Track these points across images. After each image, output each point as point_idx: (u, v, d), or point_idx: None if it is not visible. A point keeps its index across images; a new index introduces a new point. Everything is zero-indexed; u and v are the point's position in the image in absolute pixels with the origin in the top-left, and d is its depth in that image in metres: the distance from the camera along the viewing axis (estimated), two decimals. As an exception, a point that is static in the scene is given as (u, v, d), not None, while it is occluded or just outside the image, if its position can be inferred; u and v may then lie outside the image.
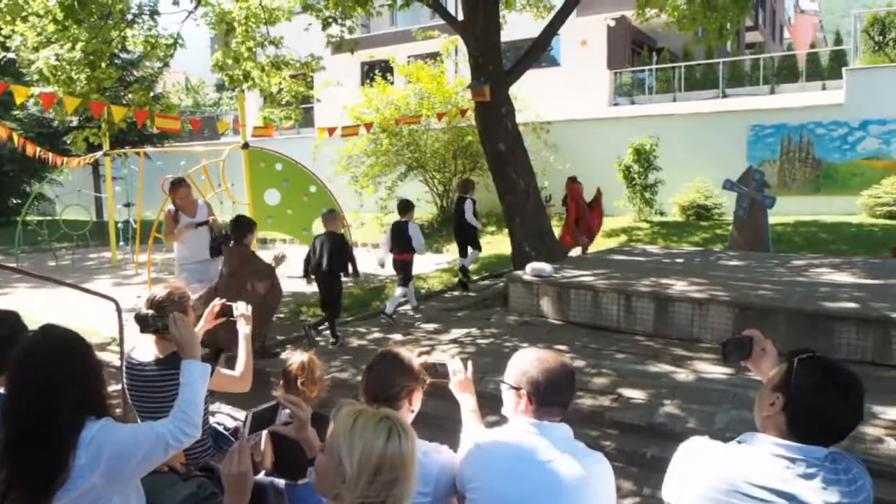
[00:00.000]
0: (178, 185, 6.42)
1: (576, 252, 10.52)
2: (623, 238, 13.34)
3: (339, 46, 10.19)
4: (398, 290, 7.87)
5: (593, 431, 4.51)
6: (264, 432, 3.05)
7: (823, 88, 17.40)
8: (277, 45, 9.51)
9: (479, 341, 6.64)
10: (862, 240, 11.53)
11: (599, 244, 11.10)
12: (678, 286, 6.91)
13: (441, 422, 3.79)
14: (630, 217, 15.23)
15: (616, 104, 19.93)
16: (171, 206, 6.42)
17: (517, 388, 1.96)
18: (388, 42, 21.89)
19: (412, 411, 2.19)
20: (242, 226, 5.95)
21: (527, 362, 1.98)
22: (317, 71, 10.03)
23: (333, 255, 6.64)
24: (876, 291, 6.51)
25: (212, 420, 3.26)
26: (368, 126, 11.98)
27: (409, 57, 18.76)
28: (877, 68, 15.40)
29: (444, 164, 16.32)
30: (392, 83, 16.55)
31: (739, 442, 1.70)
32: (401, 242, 7.72)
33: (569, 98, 18.55)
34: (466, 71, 10.01)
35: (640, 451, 4.21)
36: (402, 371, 2.17)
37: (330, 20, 9.81)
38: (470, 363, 2.39)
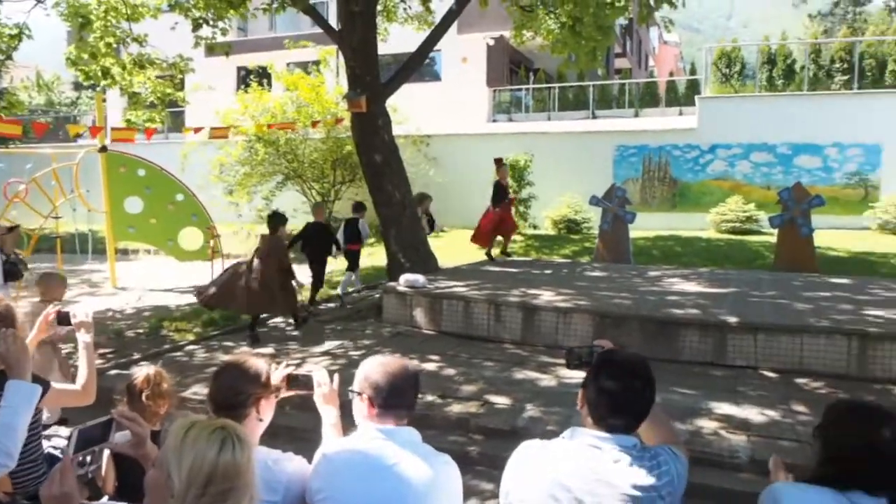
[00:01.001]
0: None
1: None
2: (497, 250, 13.74)
3: (212, 49, 9.79)
4: (347, 275, 9.50)
5: (460, 437, 4.61)
6: (106, 454, 2.84)
7: (680, 114, 18.91)
8: (141, 42, 8.97)
9: (352, 353, 6.58)
10: (710, 253, 12.66)
11: (474, 255, 11.37)
12: (545, 296, 7.22)
13: (308, 435, 3.71)
14: (505, 230, 15.72)
15: (494, 120, 20.59)
16: None
17: (360, 393, 1.98)
18: (267, 47, 21.26)
19: (261, 420, 2.13)
20: (277, 218, 7.51)
21: (369, 368, 2.01)
22: (186, 72, 9.57)
23: (322, 240, 8.82)
24: (716, 299, 7.16)
25: (47, 444, 2.99)
26: (239, 133, 11.54)
27: (288, 63, 18.36)
28: (723, 98, 17.09)
29: (322, 174, 16.06)
30: (270, 90, 16.11)
31: (563, 437, 1.81)
32: (352, 236, 9.33)
33: (449, 112, 18.93)
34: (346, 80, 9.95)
35: (503, 454, 4.30)
36: (248, 379, 2.11)
37: (201, 21, 9.40)
38: (336, 376, 2.36)
